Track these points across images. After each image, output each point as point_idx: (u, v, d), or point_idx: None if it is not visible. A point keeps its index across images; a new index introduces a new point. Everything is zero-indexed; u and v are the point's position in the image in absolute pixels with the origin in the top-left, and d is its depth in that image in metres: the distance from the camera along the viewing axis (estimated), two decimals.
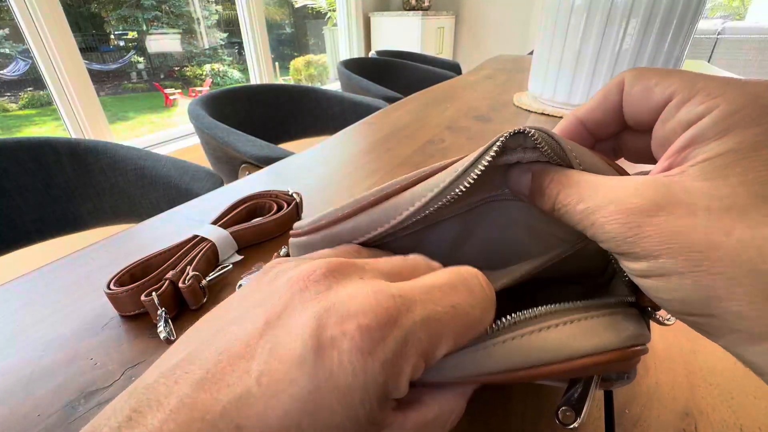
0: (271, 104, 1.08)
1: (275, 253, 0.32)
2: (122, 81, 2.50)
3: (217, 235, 0.31)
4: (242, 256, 0.33)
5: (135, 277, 0.28)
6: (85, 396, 0.21)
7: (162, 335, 0.24)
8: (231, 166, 0.77)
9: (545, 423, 0.19)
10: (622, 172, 0.15)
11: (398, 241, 0.16)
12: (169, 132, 1.85)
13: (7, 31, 1.76)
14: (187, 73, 2.72)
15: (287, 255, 0.31)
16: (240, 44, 2.21)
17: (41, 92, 1.83)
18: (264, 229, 0.34)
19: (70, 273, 0.32)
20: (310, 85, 2.47)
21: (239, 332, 0.10)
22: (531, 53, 1.38)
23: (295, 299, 0.10)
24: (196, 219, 0.39)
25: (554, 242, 0.17)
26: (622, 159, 0.17)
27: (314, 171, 0.51)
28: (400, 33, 2.86)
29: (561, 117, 0.71)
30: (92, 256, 0.34)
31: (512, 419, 0.20)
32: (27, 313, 0.28)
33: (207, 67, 2.78)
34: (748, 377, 0.21)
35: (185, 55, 2.66)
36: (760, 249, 0.09)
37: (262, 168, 0.54)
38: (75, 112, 1.41)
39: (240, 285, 0.27)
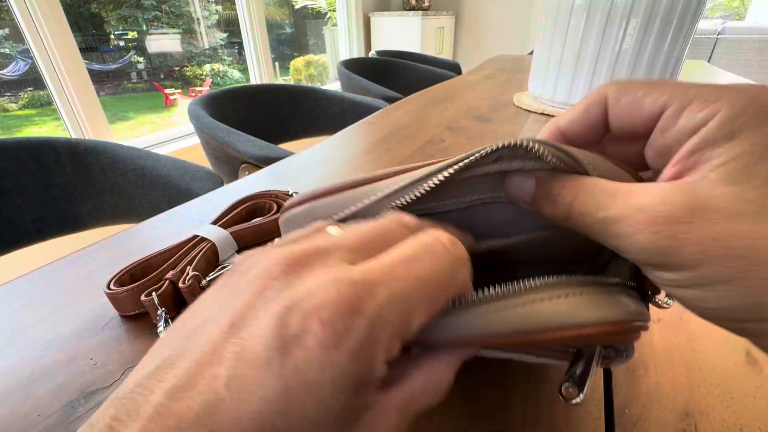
0: (271, 104, 1.08)
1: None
2: (122, 81, 2.50)
3: (217, 235, 0.31)
4: None
5: (135, 277, 0.28)
6: (85, 396, 0.21)
7: (162, 335, 0.24)
8: (231, 166, 0.77)
9: (545, 424, 0.19)
10: (638, 178, 0.14)
11: None
12: (169, 132, 1.85)
13: (7, 31, 1.76)
14: (187, 73, 2.72)
15: None
16: (240, 44, 2.21)
17: (41, 92, 1.83)
18: (264, 229, 0.34)
19: (70, 273, 0.32)
20: (310, 85, 2.47)
21: (206, 337, 0.10)
22: (531, 53, 1.38)
23: (258, 300, 0.10)
24: (196, 219, 0.39)
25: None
26: None
27: (314, 171, 0.51)
28: (400, 33, 2.86)
29: None
30: (92, 256, 0.34)
31: (513, 419, 0.20)
32: (27, 313, 0.28)
33: (207, 67, 2.78)
34: (748, 377, 0.21)
35: (185, 55, 2.66)
36: None
37: (262, 168, 0.54)
38: (75, 112, 1.41)
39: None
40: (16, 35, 1.63)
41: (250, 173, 0.51)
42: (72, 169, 0.64)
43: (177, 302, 0.27)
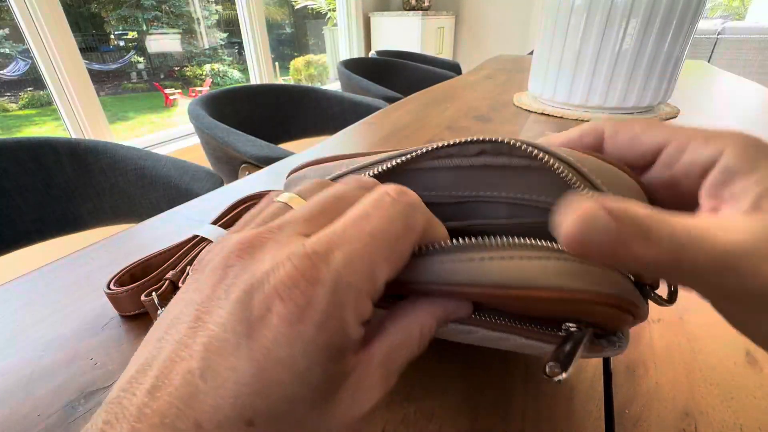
0: (271, 104, 1.08)
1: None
2: (122, 81, 2.50)
3: (217, 235, 0.31)
4: None
5: (135, 277, 0.28)
6: (85, 396, 0.21)
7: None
8: (231, 166, 0.77)
9: (545, 424, 0.19)
10: (629, 173, 0.14)
11: None
12: (169, 132, 1.85)
13: (7, 31, 1.76)
14: (187, 73, 2.72)
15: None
16: (240, 44, 2.21)
17: (41, 92, 1.83)
18: None
19: (70, 273, 0.32)
20: (310, 85, 2.47)
21: (176, 335, 0.10)
22: (531, 53, 1.38)
23: (218, 290, 0.11)
24: (196, 219, 0.39)
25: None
26: None
27: None
28: (400, 33, 2.86)
29: (561, 117, 0.71)
30: (92, 256, 0.34)
31: (513, 419, 0.20)
32: (27, 313, 0.28)
33: (207, 67, 2.78)
34: (748, 377, 0.21)
35: (185, 55, 2.66)
36: None
37: (262, 168, 0.54)
38: (75, 112, 1.41)
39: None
40: (16, 35, 1.63)
41: (250, 173, 0.51)
42: (72, 169, 0.64)
43: None
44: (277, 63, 2.59)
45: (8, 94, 1.96)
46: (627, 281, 0.14)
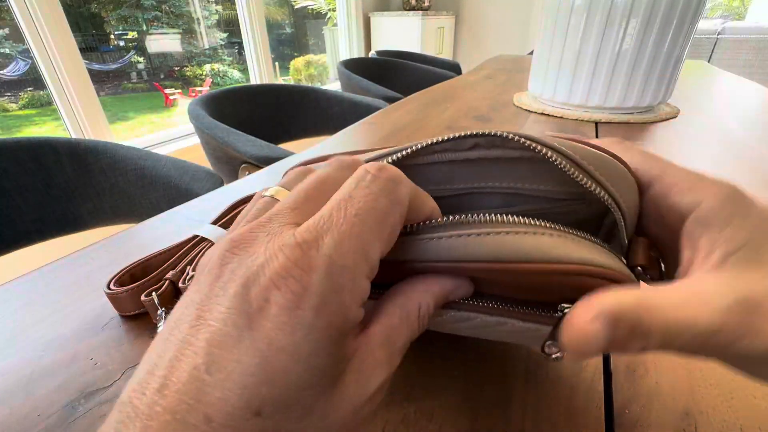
0: (271, 104, 1.08)
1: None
2: (122, 81, 2.50)
3: (217, 235, 0.31)
4: None
5: (135, 277, 0.28)
6: (85, 396, 0.21)
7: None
8: (231, 166, 0.77)
9: (545, 424, 0.19)
10: (620, 160, 0.15)
11: None
12: (169, 132, 1.85)
13: (7, 31, 1.76)
14: (187, 73, 2.72)
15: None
16: (240, 44, 2.21)
17: (41, 92, 1.83)
18: None
19: (70, 273, 0.32)
20: (310, 85, 2.47)
21: (179, 335, 0.10)
22: (531, 53, 1.38)
23: (215, 288, 0.11)
24: (196, 219, 0.40)
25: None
26: None
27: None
28: (400, 33, 2.86)
29: (561, 117, 0.71)
30: (92, 256, 0.34)
31: (513, 418, 0.20)
32: (27, 313, 0.28)
33: (207, 67, 2.78)
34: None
35: (185, 55, 2.66)
36: None
37: (262, 168, 0.54)
38: (75, 112, 1.41)
39: None
40: (16, 35, 1.63)
41: (250, 173, 0.51)
42: (72, 169, 0.64)
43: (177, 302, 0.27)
44: (277, 63, 2.59)
45: (8, 94, 1.96)
46: (619, 261, 0.14)
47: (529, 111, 0.76)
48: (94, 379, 0.22)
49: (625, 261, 0.15)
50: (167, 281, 0.26)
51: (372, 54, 1.81)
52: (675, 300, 0.12)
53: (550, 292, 0.14)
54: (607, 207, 0.14)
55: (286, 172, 0.20)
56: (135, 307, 0.27)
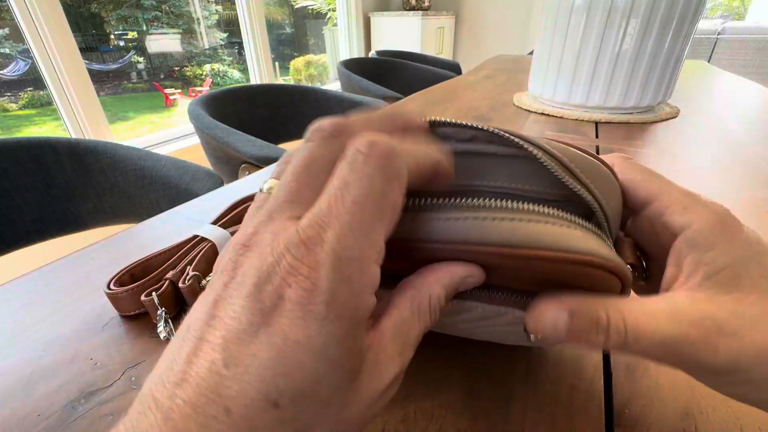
0: (271, 104, 1.08)
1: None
2: (122, 81, 2.50)
3: (217, 235, 0.31)
4: None
5: (135, 277, 0.28)
6: (85, 396, 0.21)
7: (162, 335, 0.24)
8: (231, 166, 0.77)
9: (545, 424, 0.19)
10: (604, 163, 0.16)
11: None
12: (169, 132, 1.85)
13: (7, 31, 1.76)
14: (187, 73, 2.72)
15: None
16: (240, 44, 2.21)
17: (41, 92, 1.83)
18: None
19: (70, 273, 0.32)
20: (310, 85, 2.47)
21: (196, 332, 0.11)
22: (531, 53, 1.38)
23: (229, 289, 0.11)
24: (196, 219, 0.40)
25: None
26: None
27: None
28: (400, 33, 2.86)
29: (561, 117, 0.71)
30: (92, 256, 0.34)
31: (513, 418, 0.20)
32: (27, 313, 0.28)
33: (207, 67, 2.78)
34: None
35: (185, 55, 2.66)
36: None
37: (262, 168, 0.54)
38: (75, 112, 1.41)
39: None
40: (16, 35, 1.63)
41: (250, 173, 0.51)
42: (72, 169, 0.64)
43: (177, 302, 0.27)
44: (277, 63, 2.59)
45: (8, 94, 1.96)
46: (617, 255, 0.14)
47: (529, 111, 0.76)
48: (94, 379, 0.22)
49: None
50: (167, 281, 0.26)
51: (372, 54, 1.81)
52: (646, 309, 0.13)
53: (551, 281, 0.14)
54: (591, 210, 0.15)
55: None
56: (135, 307, 0.27)
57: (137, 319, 0.27)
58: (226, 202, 0.36)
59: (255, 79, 2.24)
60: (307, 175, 0.12)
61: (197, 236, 0.31)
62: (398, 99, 0.94)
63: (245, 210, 0.36)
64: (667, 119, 0.69)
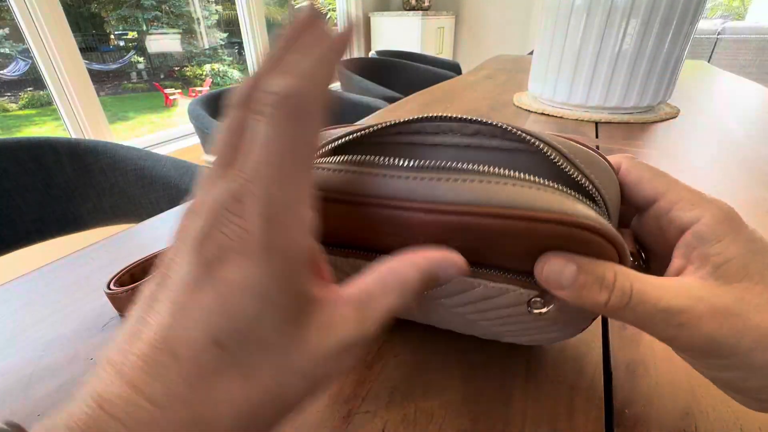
0: None
1: None
2: (122, 81, 2.50)
3: None
4: None
5: (135, 277, 0.28)
6: None
7: None
8: None
9: (545, 424, 0.19)
10: (607, 160, 0.16)
11: None
12: (169, 132, 1.85)
13: (7, 31, 1.77)
14: (187, 73, 2.72)
15: None
16: (240, 44, 2.21)
17: (41, 92, 1.83)
18: None
19: (70, 273, 0.32)
20: None
21: (147, 294, 0.12)
22: (531, 53, 1.38)
23: (174, 253, 0.12)
24: None
25: None
26: None
27: None
28: (400, 33, 2.86)
29: (561, 117, 0.71)
30: (92, 256, 0.34)
31: (513, 419, 0.20)
32: (27, 313, 0.28)
33: (207, 67, 2.78)
34: None
35: (185, 55, 2.66)
36: None
37: None
38: (75, 112, 1.41)
39: None
40: (16, 35, 1.63)
41: None
42: (72, 169, 0.64)
43: None
44: None
45: (8, 94, 1.96)
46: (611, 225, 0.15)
47: (529, 111, 0.76)
48: None
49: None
50: None
51: (372, 54, 1.81)
52: (653, 281, 0.14)
53: (541, 246, 0.14)
54: (592, 199, 0.15)
55: None
56: None
57: None
58: None
59: None
60: (231, 137, 0.12)
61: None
62: (398, 99, 0.94)
63: None
64: (667, 119, 0.69)
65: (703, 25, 2.64)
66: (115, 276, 0.27)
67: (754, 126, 0.66)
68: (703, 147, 0.56)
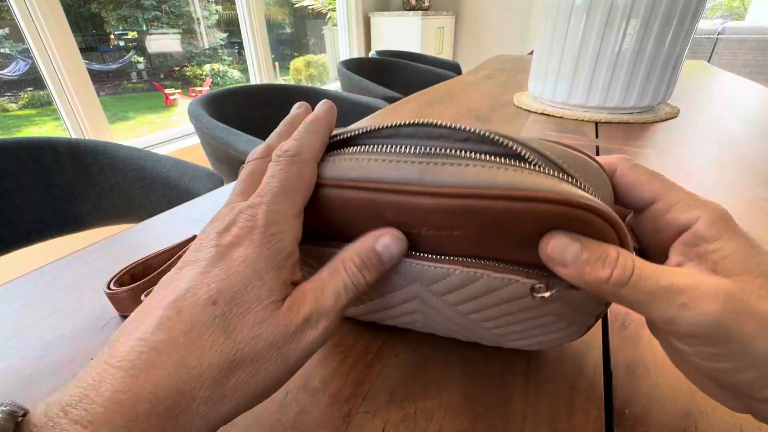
0: (271, 104, 1.08)
1: None
2: (122, 81, 2.50)
3: None
4: None
5: (135, 277, 0.28)
6: None
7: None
8: (231, 166, 0.77)
9: (545, 424, 0.19)
10: (598, 162, 0.17)
11: None
12: (169, 132, 1.85)
13: (7, 30, 1.76)
14: (187, 73, 2.72)
15: None
16: (240, 44, 2.21)
17: (41, 92, 1.83)
18: None
19: (70, 273, 0.32)
20: (310, 85, 2.47)
21: (166, 280, 0.15)
22: (531, 53, 1.38)
23: (199, 244, 0.16)
24: (196, 219, 0.40)
25: None
26: None
27: None
28: (400, 33, 2.86)
29: (561, 117, 0.71)
30: (92, 256, 0.34)
31: (513, 418, 0.20)
32: (27, 313, 0.28)
33: (207, 67, 2.78)
34: None
35: (185, 55, 2.66)
36: None
37: None
38: (75, 112, 1.41)
39: None
40: (16, 35, 1.63)
41: None
42: (72, 169, 0.64)
43: None
44: (277, 63, 2.59)
45: (8, 94, 1.96)
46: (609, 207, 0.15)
47: (529, 111, 0.76)
48: None
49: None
50: None
51: (372, 54, 1.81)
52: (655, 264, 0.14)
53: (536, 228, 0.15)
54: None
55: None
56: (135, 307, 0.26)
57: None
58: None
59: (255, 79, 2.24)
60: (250, 179, 0.18)
61: (197, 236, 0.31)
62: (398, 99, 0.94)
63: None
64: (667, 119, 0.69)
65: (703, 25, 2.64)
66: (115, 276, 0.27)
67: (754, 126, 0.66)
68: (703, 147, 0.56)
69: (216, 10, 2.66)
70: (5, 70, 1.85)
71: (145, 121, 2.50)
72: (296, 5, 3.01)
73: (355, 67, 1.40)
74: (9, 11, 1.24)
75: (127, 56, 2.46)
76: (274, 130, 0.21)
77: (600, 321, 0.25)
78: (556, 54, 0.70)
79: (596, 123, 0.69)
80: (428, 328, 0.22)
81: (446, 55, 3.12)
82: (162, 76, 2.64)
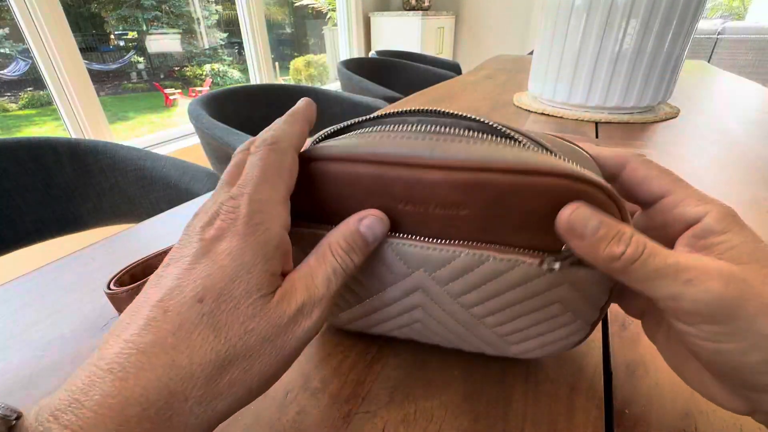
0: (271, 104, 1.08)
1: None
2: (122, 81, 2.50)
3: None
4: None
5: (135, 277, 0.28)
6: None
7: None
8: None
9: (545, 424, 0.19)
10: (598, 164, 0.18)
11: None
12: (169, 132, 1.85)
13: (7, 30, 1.76)
14: (187, 73, 2.72)
15: None
16: (240, 44, 2.21)
17: (41, 92, 1.83)
18: None
19: (70, 273, 0.32)
20: (310, 85, 2.47)
21: (159, 272, 0.15)
22: (531, 53, 1.38)
23: (184, 240, 0.15)
24: None
25: None
26: None
27: None
28: (400, 33, 2.86)
29: (561, 117, 0.71)
30: (92, 256, 0.34)
31: (513, 418, 0.20)
32: (27, 313, 0.28)
33: (207, 67, 2.78)
34: None
35: (185, 55, 2.66)
36: None
37: None
38: (75, 112, 1.41)
39: None
40: (16, 35, 1.63)
41: None
42: (72, 169, 0.64)
43: None
44: (277, 63, 2.59)
45: (8, 94, 1.96)
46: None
47: (529, 111, 0.76)
48: None
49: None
50: None
51: (372, 54, 1.81)
52: (662, 246, 0.15)
53: (546, 224, 0.15)
54: None
55: None
56: None
57: None
58: None
59: (255, 79, 2.24)
60: (235, 169, 0.17)
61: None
62: (398, 99, 0.94)
63: None
64: (667, 119, 0.69)
65: (703, 25, 2.64)
66: (115, 276, 0.27)
67: (753, 126, 0.66)
68: (703, 147, 0.56)
69: (216, 10, 2.66)
70: (5, 70, 1.85)
71: (145, 121, 2.50)
72: (296, 5, 3.01)
73: (355, 67, 1.40)
74: (9, 11, 1.24)
75: (127, 56, 2.46)
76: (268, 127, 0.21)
77: (600, 322, 0.25)
78: (556, 54, 0.70)
79: (596, 123, 0.69)
80: (427, 332, 0.21)
81: (446, 55, 3.12)
82: (162, 76, 2.64)
